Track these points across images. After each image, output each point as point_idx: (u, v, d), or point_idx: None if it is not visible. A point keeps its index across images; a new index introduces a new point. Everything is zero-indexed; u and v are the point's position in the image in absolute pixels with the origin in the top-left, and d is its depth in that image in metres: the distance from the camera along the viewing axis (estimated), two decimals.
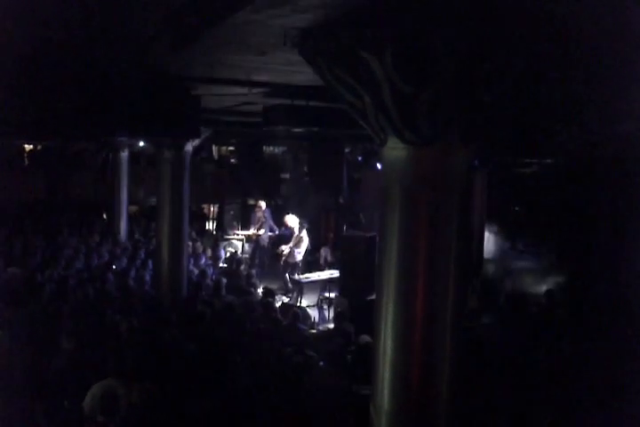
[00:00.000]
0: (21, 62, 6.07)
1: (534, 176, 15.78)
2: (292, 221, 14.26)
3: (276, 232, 15.16)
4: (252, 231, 15.58)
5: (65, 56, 6.01)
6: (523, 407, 5.89)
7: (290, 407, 5.58)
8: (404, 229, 3.74)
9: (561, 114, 8.45)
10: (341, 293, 11.59)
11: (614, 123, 8.48)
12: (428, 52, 3.25)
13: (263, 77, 6.48)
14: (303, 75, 5.24)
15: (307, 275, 13.17)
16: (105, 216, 17.57)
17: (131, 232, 15.49)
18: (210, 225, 20.27)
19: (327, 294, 12.11)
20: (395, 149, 3.68)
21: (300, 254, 13.79)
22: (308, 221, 14.57)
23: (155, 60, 6.05)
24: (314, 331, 9.20)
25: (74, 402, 5.61)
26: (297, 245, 13.77)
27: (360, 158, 17.45)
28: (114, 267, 11.58)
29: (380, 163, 4.01)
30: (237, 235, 16.59)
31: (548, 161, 14.91)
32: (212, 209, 20.62)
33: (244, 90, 7.03)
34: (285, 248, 13.73)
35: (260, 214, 15.44)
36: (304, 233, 13.81)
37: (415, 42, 3.22)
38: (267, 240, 15.02)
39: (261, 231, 15.14)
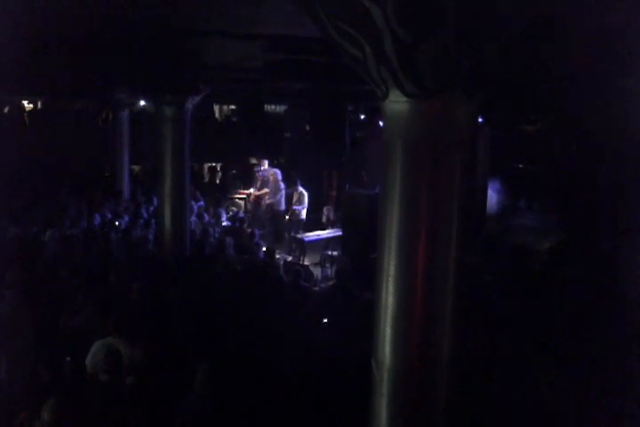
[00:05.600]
0: (19, 18, 5.94)
1: (538, 133, 15.65)
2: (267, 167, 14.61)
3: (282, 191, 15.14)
4: (252, 191, 15.62)
5: (63, 12, 5.86)
6: (522, 363, 5.94)
7: (292, 364, 5.63)
8: (406, 185, 3.68)
9: (565, 71, 8.30)
10: (344, 251, 11.62)
11: (619, 80, 8.33)
12: (432, 1, 3.14)
13: (262, 31, 6.33)
14: (303, 28, 5.10)
15: (309, 233, 13.21)
16: (107, 175, 17.53)
17: (133, 192, 15.48)
18: (212, 184, 20.22)
19: (330, 253, 12.14)
20: (396, 103, 3.59)
21: (303, 211, 13.87)
22: (310, 179, 14.65)
23: (151, 14, 5.90)
24: (316, 289, 9.24)
25: (76, 360, 5.67)
26: (299, 201, 13.84)
27: (363, 117, 17.29)
28: (117, 224, 11.61)
29: (382, 118, 3.92)
30: (240, 194, 16.59)
31: (552, 118, 14.76)
32: (213, 168, 20.56)
33: (243, 44, 6.89)
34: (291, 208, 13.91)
35: (258, 175, 15.51)
36: (303, 189, 13.91)
37: None
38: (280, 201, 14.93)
39: (263, 191, 15.17)
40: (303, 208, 13.86)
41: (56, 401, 4.46)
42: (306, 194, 13.92)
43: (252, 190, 15.74)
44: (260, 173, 15.52)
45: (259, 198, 15.24)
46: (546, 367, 6.01)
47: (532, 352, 6.22)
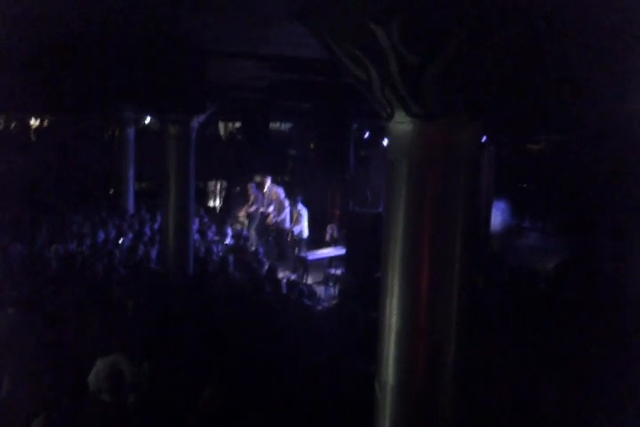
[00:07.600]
0: (27, 36, 5.99)
1: (542, 153, 15.70)
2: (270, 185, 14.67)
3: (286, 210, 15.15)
4: (246, 209, 15.72)
5: (71, 31, 5.92)
6: (528, 382, 5.90)
7: (294, 384, 5.60)
8: (410, 205, 3.70)
9: (570, 91, 8.34)
10: (347, 269, 11.59)
11: (624, 100, 8.37)
12: (437, 22, 3.17)
13: (269, 51, 6.38)
14: (309, 48, 5.15)
15: (313, 252, 13.19)
16: (112, 193, 17.58)
17: (137, 209, 15.51)
18: (217, 202, 20.27)
19: (333, 271, 12.11)
20: (401, 124, 3.62)
21: (304, 230, 13.83)
22: (314, 197, 14.65)
23: (159, 34, 5.96)
24: (320, 308, 9.21)
25: (79, 377, 5.65)
26: (297, 221, 13.83)
27: (367, 135, 17.33)
28: (120, 242, 11.62)
29: (387, 138, 3.95)
30: (244, 212, 16.61)
31: (557, 138, 14.82)
32: (218, 186, 20.60)
33: (250, 64, 6.94)
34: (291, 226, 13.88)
35: (250, 192, 15.65)
36: (302, 208, 13.90)
37: (424, 12, 3.15)
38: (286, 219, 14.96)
39: (254, 208, 15.26)
40: (300, 229, 13.84)
41: (44, 418, 4.42)
42: (304, 214, 13.91)
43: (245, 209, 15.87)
44: (253, 190, 15.64)
45: (249, 214, 15.36)
46: (551, 386, 5.97)
47: (536, 371, 6.19)
